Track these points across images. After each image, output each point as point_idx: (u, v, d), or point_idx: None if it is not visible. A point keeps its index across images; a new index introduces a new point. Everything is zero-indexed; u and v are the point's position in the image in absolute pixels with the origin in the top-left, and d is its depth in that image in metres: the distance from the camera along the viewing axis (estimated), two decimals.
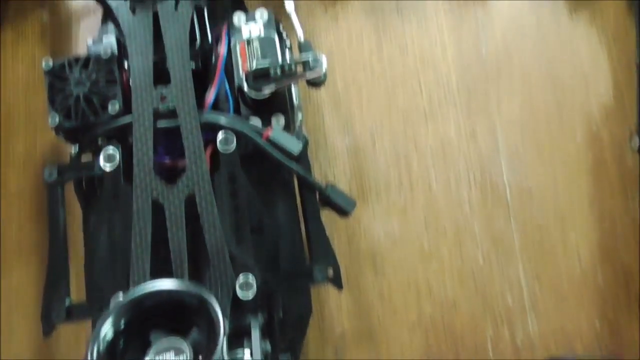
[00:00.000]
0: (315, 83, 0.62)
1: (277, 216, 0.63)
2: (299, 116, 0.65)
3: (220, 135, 0.58)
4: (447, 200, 0.73)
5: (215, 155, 0.59)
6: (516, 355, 0.69)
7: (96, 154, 0.60)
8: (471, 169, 0.74)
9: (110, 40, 0.64)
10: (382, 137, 0.76)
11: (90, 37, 0.81)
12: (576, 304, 0.70)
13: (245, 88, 0.61)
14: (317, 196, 0.61)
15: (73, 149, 0.62)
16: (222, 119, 0.59)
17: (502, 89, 0.77)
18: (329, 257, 0.60)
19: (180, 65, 0.60)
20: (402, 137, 0.76)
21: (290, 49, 0.68)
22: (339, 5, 0.81)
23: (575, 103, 0.76)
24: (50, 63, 0.61)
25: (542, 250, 0.72)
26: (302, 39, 0.66)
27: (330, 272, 0.59)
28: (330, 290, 0.68)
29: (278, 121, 0.62)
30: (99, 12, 0.81)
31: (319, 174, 0.74)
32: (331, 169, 0.75)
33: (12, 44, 0.81)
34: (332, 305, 0.70)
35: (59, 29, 0.81)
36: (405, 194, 0.74)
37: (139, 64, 0.61)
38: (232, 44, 0.64)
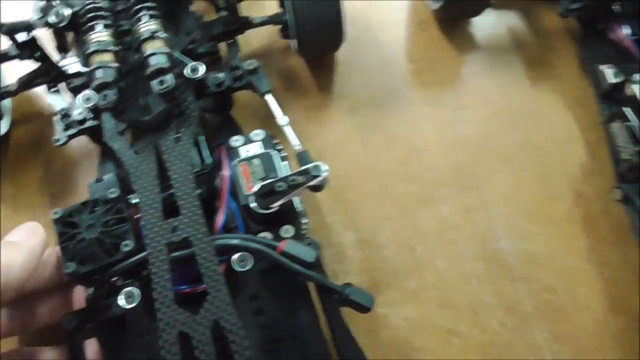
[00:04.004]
0: (317, 188, 0.70)
1: (300, 325, 0.68)
2: (304, 221, 0.73)
3: (235, 256, 0.65)
4: (455, 277, 0.83)
5: (230, 274, 0.65)
6: None
7: (112, 294, 0.65)
8: (471, 244, 0.85)
9: (111, 179, 0.72)
10: (383, 227, 0.86)
11: (90, 179, 0.93)
12: (597, 355, 0.79)
13: (254, 206, 0.68)
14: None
15: (86, 292, 0.68)
16: (235, 241, 0.66)
17: (485, 166, 0.89)
18: (359, 358, 0.67)
19: (187, 195, 0.68)
20: (401, 223, 0.86)
21: (286, 158, 0.76)
22: (320, 111, 0.94)
23: (555, 166, 0.89)
24: (60, 211, 0.67)
25: (554, 308, 0.81)
26: (300, 149, 0.75)
27: None
28: None
29: (288, 232, 0.69)
30: (95, 153, 0.93)
31: (330, 272, 0.84)
32: (340, 266, 0.84)
33: (11, 197, 0.92)
34: None
35: (57, 176, 0.92)
36: (415, 278, 0.83)
37: (147, 200, 0.68)
38: (233, 165, 0.73)
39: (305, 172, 0.68)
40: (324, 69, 0.97)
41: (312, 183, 0.68)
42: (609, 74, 0.83)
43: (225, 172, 0.74)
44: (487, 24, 0.99)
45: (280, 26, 0.94)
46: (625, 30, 0.87)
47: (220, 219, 0.71)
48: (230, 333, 0.61)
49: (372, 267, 0.84)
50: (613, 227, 0.85)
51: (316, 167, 0.68)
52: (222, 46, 0.90)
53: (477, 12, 0.94)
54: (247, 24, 0.92)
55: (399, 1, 1.03)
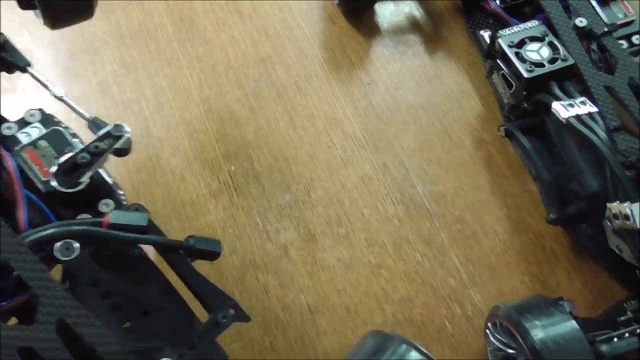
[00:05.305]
0: (122, 151, 0.65)
1: (154, 293, 0.64)
2: (120, 192, 0.68)
3: (56, 247, 0.57)
4: (379, 221, 0.98)
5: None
6: (471, 324, 0.90)
7: None
8: (391, 192, 1.00)
9: None
10: (315, 187, 1.01)
11: None
12: (505, 270, 0.93)
13: (59, 188, 0.61)
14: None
15: None
16: (51, 231, 0.58)
17: (397, 127, 1.05)
18: (224, 299, 0.64)
19: None
20: (329, 183, 1.01)
21: (76, 136, 0.70)
22: (252, 99, 1.10)
23: (456, 120, 1.05)
24: None
25: (466, 236, 0.96)
26: (88, 118, 0.69)
27: (232, 311, 0.63)
28: (306, 313, 0.90)
29: (108, 206, 0.64)
30: None
31: (272, 229, 0.98)
32: (280, 223, 0.98)
33: None
34: (309, 329, 0.91)
35: None
36: (345, 225, 0.98)
37: None
38: (16, 155, 0.65)
39: (107, 136, 0.64)
40: (268, 63, 1.14)
41: (117, 145, 0.64)
42: (486, 36, 1.00)
43: (9, 163, 0.63)
44: (387, 13, 1.18)
45: None
46: (497, 1, 1.05)
47: (22, 215, 0.60)
48: (80, 327, 0.54)
49: (307, 221, 0.98)
50: (510, 164, 1.01)
51: (117, 127, 0.64)
52: None
53: (370, 3, 1.12)
54: None
55: (310, 3, 1.20)
